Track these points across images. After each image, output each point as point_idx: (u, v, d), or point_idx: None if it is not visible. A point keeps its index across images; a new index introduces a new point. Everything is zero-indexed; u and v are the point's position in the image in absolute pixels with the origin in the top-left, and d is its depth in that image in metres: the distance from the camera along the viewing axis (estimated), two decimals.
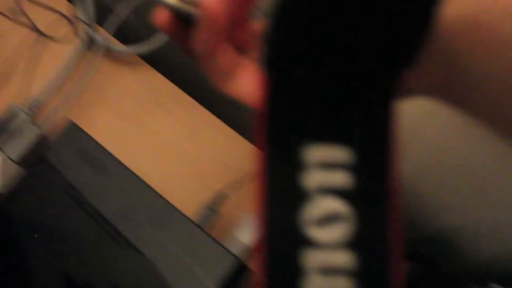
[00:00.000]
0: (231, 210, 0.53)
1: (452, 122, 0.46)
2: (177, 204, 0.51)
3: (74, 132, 0.54)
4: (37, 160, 0.53)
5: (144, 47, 0.61)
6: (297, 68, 0.17)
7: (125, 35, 0.67)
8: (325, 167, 0.16)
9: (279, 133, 0.16)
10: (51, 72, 0.60)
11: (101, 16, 0.65)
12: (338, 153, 0.16)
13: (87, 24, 0.62)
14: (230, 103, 0.59)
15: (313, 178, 0.16)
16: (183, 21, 0.26)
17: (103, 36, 0.61)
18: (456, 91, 0.18)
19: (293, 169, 0.16)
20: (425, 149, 0.50)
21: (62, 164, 0.53)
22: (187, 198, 0.55)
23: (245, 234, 0.48)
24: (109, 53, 0.62)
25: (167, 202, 0.51)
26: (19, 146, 0.55)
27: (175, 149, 0.58)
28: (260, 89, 0.17)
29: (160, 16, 0.25)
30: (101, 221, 0.51)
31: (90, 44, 0.62)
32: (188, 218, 0.50)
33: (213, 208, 0.50)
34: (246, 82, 0.26)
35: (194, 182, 0.56)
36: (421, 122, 0.48)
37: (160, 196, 0.51)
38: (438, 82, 0.18)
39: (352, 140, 0.16)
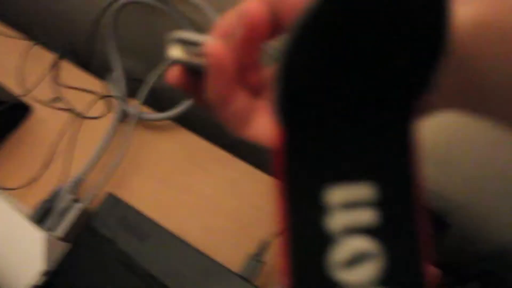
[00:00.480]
0: (277, 257, 0.50)
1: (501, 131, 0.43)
2: (223, 259, 0.49)
3: (114, 203, 0.55)
4: (80, 234, 0.54)
5: (174, 111, 0.62)
6: (310, 112, 0.16)
7: (157, 101, 0.69)
8: (348, 207, 0.15)
9: (298, 179, 0.16)
10: (89, 148, 0.62)
11: (132, 87, 0.67)
12: (360, 190, 0.16)
13: (120, 98, 0.64)
14: (265, 151, 0.57)
15: (337, 220, 0.15)
16: (194, 74, 0.25)
17: (135, 106, 0.63)
18: (475, 99, 0.17)
19: (316, 214, 0.16)
20: (478, 165, 0.46)
21: (104, 235, 0.53)
22: (233, 251, 0.53)
23: None
24: (142, 122, 0.64)
25: (212, 259, 0.49)
26: (63, 224, 0.56)
27: (215, 205, 0.57)
28: (275, 136, 0.16)
29: (172, 74, 0.25)
30: (151, 282, 0.50)
31: (124, 116, 0.64)
32: (235, 273, 0.48)
33: (258, 258, 0.48)
34: (264, 125, 0.25)
35: (238, 234, 0.55)
36: (469, 137, 0.45)
37: (204, 255, 0.50)
38: (456, 94, 0.18)
39: (373, 176, 0.16)
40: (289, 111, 0.16)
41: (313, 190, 0.16)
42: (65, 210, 0.57)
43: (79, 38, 0.76)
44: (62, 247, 0.54)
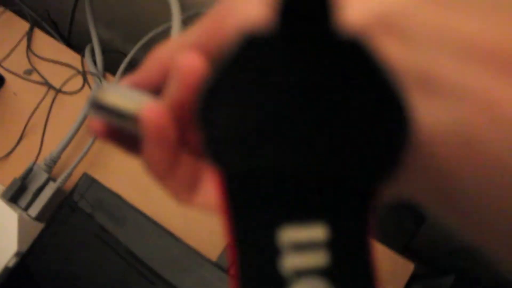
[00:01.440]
0: None
1: None
2: (200, 246, 0.49)
3: (89, 184, 0.54)
4: (56, 214, 0.53)
5: None
6: (247, 159, 0.15)
7: None
8: (299, 248, 0.15)
9: (246, 223, 0.15)
10: (64, 124, 0.60)
11: (110, 59, 0.65)
12: (311, 232, 0.15)
13: (96, 75, 0.62)
14: None
15: (289, 262, 0.15)
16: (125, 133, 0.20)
17: (113, 82, 0.61)
18: (438, 200, 0.16)
19: (267, 257, 0.15)
20: None
21: (80, 216, 0.52)
22: (210, 239, 0.53)
23: None
24: None
25: (189, 246, 0.49)
26: (37, 203, 0.55)
27: None
28: (216, 180, 0.15)
29: (95, 127, 0.20)
30: (130, 260, 0.50)
31: None
32: (211, 261, 0.48)
33: None
34: (214, 189, 0.20)
35: (216, 221, 0.55)
36: None
37: (181, 241, 0.50)
38: (419, 191, 0.16)
39: (325, 217, 0.15)
40: (223, 155, 0.15)
41: (262, 232, 0.15)
42: (39, 188, 0.56)
43: (55, 6, 0.73)
44: (36, 227, 0.54)
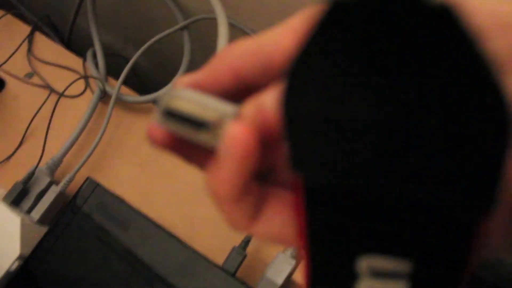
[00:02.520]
0: (259, 250, 0.51)
1: None
2: (206, 249, 0.49)
3: (93, 188, 0.54)
4: (58, 217, 0.53)
5: (156, 95, 0.60)
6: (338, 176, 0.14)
7: (139, 77, 0.67)
8: (377, 275, 0.14)
9: (323, 242, 0.15)
10: (65, 128, 0.60)
11: (112, 62, 0.65)
12: (394, 264, 0.14)
13: (99, 78, 0.62)
14: None
15: (364, 286, 0.15)
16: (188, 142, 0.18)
17: (116, 87, 0.61)
18: None
19: (342, 278, 0.15)
20: None
21: (83, 220, 0.52)
22: (216, 242, 0.53)
23: (276, 273, 0.46)
24: (122, 103, 0.62)
25: (194, 250, 0.49)
26: (40, 206, 0.55)
27: (198, 193, 0.57)
28: (296, 200, 0.15)
29: (155, 135, 0.18)
30: (134, 263, 0.50)
31: (103, 96, 0.62)
32: (217, 265, 0.48)
33: (240, 250, 0.48)
34: (277, 218, 0.19)
35: (222, 225, 0.55)
36: None
37: (186, 245, 0.50)
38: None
39: (413, 257, 0.14)
40: (309, 169, 0.14)
41: (342, 255, 0.15)
42: (41, 192, 0.56)
43: (56, 10, 0.73)
44: (38, 231, 0.53)
